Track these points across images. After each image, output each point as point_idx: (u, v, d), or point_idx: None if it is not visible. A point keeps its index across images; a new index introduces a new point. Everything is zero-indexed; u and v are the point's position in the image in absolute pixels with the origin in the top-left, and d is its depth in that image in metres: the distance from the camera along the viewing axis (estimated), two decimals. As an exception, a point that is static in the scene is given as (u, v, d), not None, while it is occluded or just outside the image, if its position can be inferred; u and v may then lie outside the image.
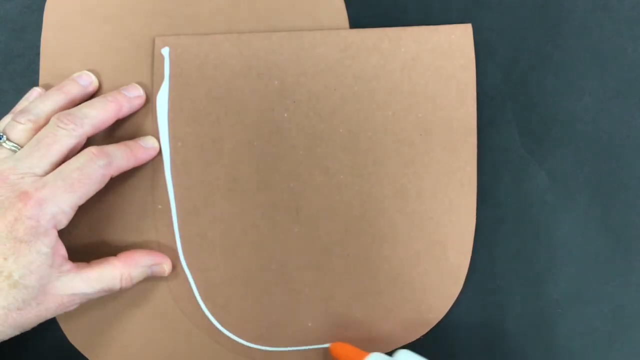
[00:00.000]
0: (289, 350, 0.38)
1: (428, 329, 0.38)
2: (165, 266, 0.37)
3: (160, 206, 0.38)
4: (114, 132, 0.38)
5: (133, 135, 0.38)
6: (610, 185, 0.40)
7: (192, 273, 0.38)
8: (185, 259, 0.38)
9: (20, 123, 0.34)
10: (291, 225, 0.38)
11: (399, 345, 0.38)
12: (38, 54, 0.38)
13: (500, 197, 0.39)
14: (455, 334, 0.39)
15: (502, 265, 0.39)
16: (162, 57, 0.38)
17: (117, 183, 0.37)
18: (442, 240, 0.38)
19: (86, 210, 0.35)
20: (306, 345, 0.38)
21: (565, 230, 0.40)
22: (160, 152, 0.38)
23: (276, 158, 0.38)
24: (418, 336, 0.38)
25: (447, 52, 0.38)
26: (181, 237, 0.38)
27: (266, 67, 0.38)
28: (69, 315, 0.37)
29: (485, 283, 0.39)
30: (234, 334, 0.38)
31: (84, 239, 0.38)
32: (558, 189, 0.40)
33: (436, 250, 0.38)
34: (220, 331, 0.38)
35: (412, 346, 0.38)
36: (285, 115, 0.38)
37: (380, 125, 0.38)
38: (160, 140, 0.38)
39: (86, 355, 0.38)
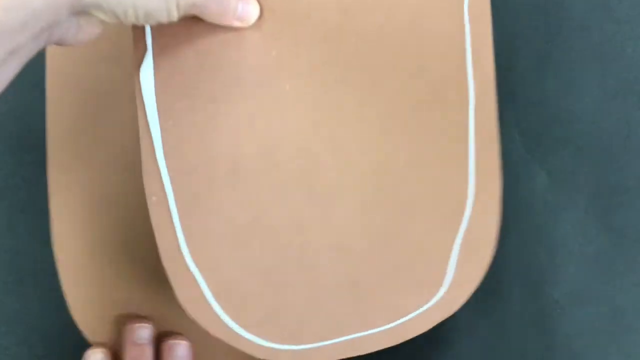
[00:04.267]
0: (318, 347, 0.34)
1: (462, 302, 0.35)
2: None
3: (154, 198, 0.33)
4: (96, 119, 0.35)
5: (117, 121, 0.36)
6: (610, 185, 0.40)
7: (200, 272, 0.34)
8: (191, 256, 0.34)
9: None
10: (304, 207, 0.34)
11: (431, 325, 0.35)
12: (38, 54, 0.38)
13: (500, 197, 0.40)
14: (455, 334, 0.39)
15: (502, 265, 0.39)
16: (143, 27, 0.34)
17: (103, 174, 0.35)
18: (467, 206, 0.34)
19: (81, 206, 0.34)
20: (336, 337, 0.34)
21: (565, 230, 0.40)
22: (149, 134, 0.33)
23: (281, 133, 0.34)
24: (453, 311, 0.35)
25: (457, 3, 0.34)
26: (183, 231, 0.34)
27: (262, 35, 0.34)
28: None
29: (485, 283, 0.39)
30: (255, 335, 0.34)
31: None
32: (558, 189, 0.40)
33: (460, 217, 0.34)
34: (239, 335, 0.34)
35: (413, 345, 0.38)
36: (287, 87, 0.34)
37: (389, 90, 0.34)
38: (148, 122, 0.33)
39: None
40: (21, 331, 0.40)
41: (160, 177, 0.33)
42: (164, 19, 0.30)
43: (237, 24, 0.33)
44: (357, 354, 0.35)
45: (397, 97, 0.34)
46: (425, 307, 0.34)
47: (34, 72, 0.39)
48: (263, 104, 0.34)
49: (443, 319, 0.34)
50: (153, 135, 0.33)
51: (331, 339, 0.34)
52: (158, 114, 0.33)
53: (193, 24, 0.33)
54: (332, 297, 0.34)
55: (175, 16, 0.30)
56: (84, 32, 0.31)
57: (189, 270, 0.34)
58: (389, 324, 0.34)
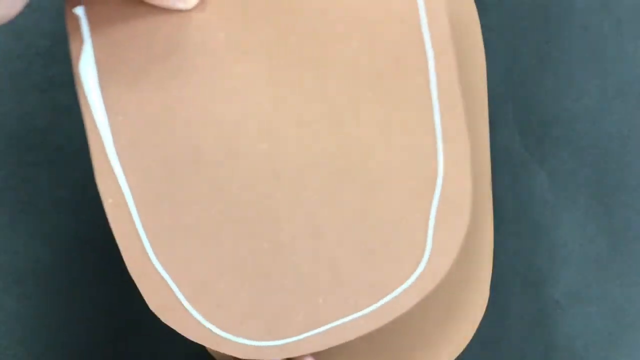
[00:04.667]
0: (304, 338, 0.33)
1: (444, 273, 0.33)
2: None
3: (110, 200, 0.31)
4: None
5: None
6: (610, 185, 0.40)
7: (170, 275, 0.32)
8: (158, 258, 0.32)
9: None
10: (273, 192, 0.32)
11: (416, 300, 0.34)
12: (38, 54, 0.38)
13: (500, 197, 0.39)
14: (455, 334, 0.39)
15: (502, 265, 0.39)
16: (78, 18, 0.31)
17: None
18: (438, 173, 0.33)
19: None
20: (321, 326, 0.33)
21: (565, 230, 0.40)
22: (97, 132, 0.31)
23: (240, 117, 0.32)
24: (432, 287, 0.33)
25: None
26: (146, 233, 0.31)
27: (207, 17, 0.32)
28: None
29: (485, 283, 0.39)
30: (237, 335, 0.33)
31: None
32: (558, 189, 0.40)
33: (432, 184, 0.33)
34: (220, 337, 0.33)
35: (412, 346, 0.38)
36: (240, 69, 0.33)
37: (345, 61, 0.33)
38: (94, 119, 0.31)
39: None
40: (21, 331, 0.40)
41: (116, 177, 0.31)
42: None
43: (180, 5, 0.31)
44: (345, 340, 0.34)
45: (354, 67, 0.33)
46: (407, 283, 0.33)
47: (34, 73, 0.39)
48: (217, 89, 0.32)
49: (427, 292, 0.33)
50: (102, 133, 0.31)
51: (316, 329, 0.33)
52: (105, 109, 0.31)
53: (133, 9, 0.31)
54: (311, 285, 0.32)
55: None
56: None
57: (158, 274, 0.32)
58: (373, 304, 0.33)
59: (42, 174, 0.42)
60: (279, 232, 0.32)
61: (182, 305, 0.32)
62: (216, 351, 0.35)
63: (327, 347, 0.34)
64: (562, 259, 0.40)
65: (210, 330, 0.32)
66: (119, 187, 0.31)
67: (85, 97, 0.31)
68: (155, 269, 0.32)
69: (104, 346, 0.40)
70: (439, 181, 0.33)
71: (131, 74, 0.31)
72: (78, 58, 0.31)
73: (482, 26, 0.39)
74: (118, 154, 0.31)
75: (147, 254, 0.31)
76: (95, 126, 0.31)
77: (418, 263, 0.33)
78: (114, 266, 0.40)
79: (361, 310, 0.33)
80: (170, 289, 0.32)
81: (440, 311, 0.37)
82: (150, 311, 0.32)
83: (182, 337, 0.32)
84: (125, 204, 0.31)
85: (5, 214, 0.43)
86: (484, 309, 0.37)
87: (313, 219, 0.33)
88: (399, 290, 0.33)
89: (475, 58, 0.37)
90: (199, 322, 0.32)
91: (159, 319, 0.31)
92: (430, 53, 0.33)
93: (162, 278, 0.32)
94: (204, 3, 0.32)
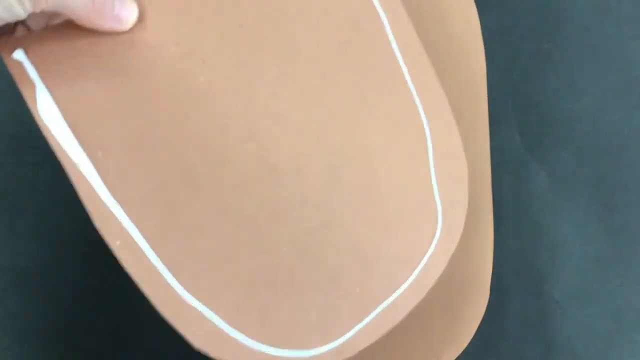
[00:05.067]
0: (357, 332, 0.30)
1: (461, 226, 0.33)
2: None
3: (118, 242, 0.29)
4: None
5: None
6: (610, 185, 0.40)
7: (204, 304, 0.29)
8: (188, 290, 0.29)
9: None
10: (276, 191, 0.31)
11: (447, 258, 0.33)
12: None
13: (500, 197, 0.39)
14: (455, 334, 0.39)
15: (502, 265, 0.39)
16: (20, 63, 0.29)
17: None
18: (426, 133, 0.32)
19: None
20: (369, 314, 0.31)
21: (565, 230, 0.40)
22: (81, 175, 0.29)
23: (219, 125, 0.31)
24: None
25: None
26: (167, 267, 0.29)
27: (152, 33, 0.31)
28: None
29: (485, 283, 0.39)
30: (292, 348, 0.30)
31: None
32: (558, 189, 0.40)
33: (424, 145, 0.33)
34: (272, 355, 0.30)
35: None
36: (202, 78, 0.31)
37: (308, 39, 0.32)
38: (73, 162, 0.29)
39: None
40: (21, 331, 0.40)
41: (116, 218, 0.29)
42: (19, 12, 0.26)
43: (117, 26, 0.30)
44: (397, 321, 0.32)
45: (316, 44, 0.32)
46: (432, 245, 0.32)
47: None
48: (188, 104, 0.31)
49: (454, 247, 0.32)
50: (87, 174, 0.29)
51: (365, 319, 0.31)
52: (82, 148, 0.29)
53: (74, 40, 0.30)
54: (343, 277, 0.31)
55: (28, 8, 0.26)
56: None
57: (192, 307, 0.29)
58: (409, 277, 0.31)
59: (42, 174, 0.42)
60: (293, 231, 0.31)
61: (227, 333, 0.29)
62: None
63: (381, 335, 0.32)
64: (562, 259, 0.40)
65: (263, 352, 0.30)
66: (122, 227, 0.29)
67: (57, 142, 0.29)
68: (188, 303, 0.29)
69: (104, 346, 0.40)
70: (429, 138, 0.32)
71: (96, 106, 0.29)
72: (35, 103, 0.29)
73: (482, 26, 0.39)
74: (111, 192, 0.29)
75: (173, 289, 0.29)
76: (77, 170, 0.29)
77: (435, 223, 0.32)
78: (114, 266, 0.40)
79: (400, 286, 0.31)
80: (208, 319, 0.29)
81: (441, 311, 0.37)
82: (151, 310, 0.32)
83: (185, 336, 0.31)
84: (134, 242, 0.29)
85: (5, 214, 0.43)
86: (484, 309, 0.37)
87: (321, 208, 0.31)
88: (428, 254, 0.32)
89: (475, 58, 0.37)
90: (248, 347, 0.30)
91: (159, 318, 0.31)
92: (383, 15, 0.33)
93: (197, 311, 0.29)
94: (143, 21, 0.31)
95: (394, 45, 0.33)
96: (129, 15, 0.30)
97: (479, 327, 0.39)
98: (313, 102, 0.32)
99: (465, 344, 0.36)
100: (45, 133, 0.29)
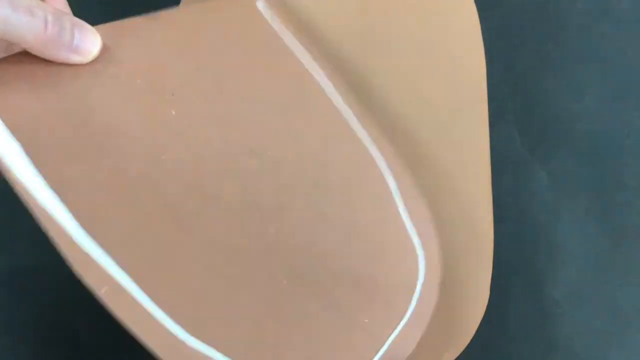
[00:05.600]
0: None
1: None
2: None
3: (104, 289, 0.26)
4: None
5: None
6: (610, 185, 0.40)
7: (213, 346, 0.27)
8: (192, 335, 0.27)
9: None
10: (264, 227, 0.30)
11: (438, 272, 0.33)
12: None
13: (500, 197, 0.39)
14: (455, 334, 0.39)
15: (502, 265, 0.39)
16: None
17: None
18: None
19: None
20: (384, 342, 0.30)
21: (565, 230, 0.40)
22: (52, 221, 0.26)
23: (196, 159, 0.29)
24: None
25: None
26: (164, 310, 0.26)
27: (117, 67, 0.29)
28: None
29: (485, 283, 0.39)
30: None
31: None
32: (558, 189, 0.40)
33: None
34: None
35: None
36: (174, 112, 0.29)
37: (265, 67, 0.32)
38: (43, 206, 0.26)
39: None
40: (21, 331, 0.40)
41: (97, 263, 0.26)
42: None
43: (76, 58, 0.28)
44: (408, 353, 0.31)
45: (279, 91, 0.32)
46: (421, 270, 0.32)
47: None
48: (160, 139, 0.29)
49: (439, 277, 0.32)
50: (58, 219, 0.26)
51: (382, 347, 0.30)
52: (52, 190, 0.26)
53: (33, 75, 0.27)
54: (348, 306, 0.30)
55: None
56: None
57: (198, 352, 0.27)
58: (409, 303, 0.31)
59: (42, 174, 0.42)
60: (289, 264, 0.29)
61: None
62: None
63: (407, 356, 0.31)
64: (562, 259, 0.40)
65: None
66: (106, 271, 0.26)
67: (22, 185, 0.26)
68: (194, 349, 0.26)
69: (105, 345, 0.40)
70: (391, 179, 0.33)
71: (62, 145, 0.27)
72: None
73: (482, 26, 0.39)
74: (88, 234, 0.26)
75: (174, 335, 0.26)
76: (48, 214, 0.26)
77: (415, 253, 0.32)
78: (114, 266, 0.40)
79: (402, 316, 0.31)
80: (203, 354, 0.27)
81: (441, 311, 0.37)
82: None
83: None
84: (122, 287, 0.26)
85: (5, 214, 0.43)
86: (484, 309, 0.37)
87: (313, 241, 0.30)
88: (420, 280, 0.32)
89: (475, 58, 0.37)
90: None
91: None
92: (306, 57, 0.33)
93: (206, 356, 0.27)
94: (107, 53, 0.29)
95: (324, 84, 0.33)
96: (91, 47, 0.28)
97: (479, 327, 0.39)
98: (284, 138, 0.31)
99: (465, 344, 0.36)
100: (8, 178, 0.26)
